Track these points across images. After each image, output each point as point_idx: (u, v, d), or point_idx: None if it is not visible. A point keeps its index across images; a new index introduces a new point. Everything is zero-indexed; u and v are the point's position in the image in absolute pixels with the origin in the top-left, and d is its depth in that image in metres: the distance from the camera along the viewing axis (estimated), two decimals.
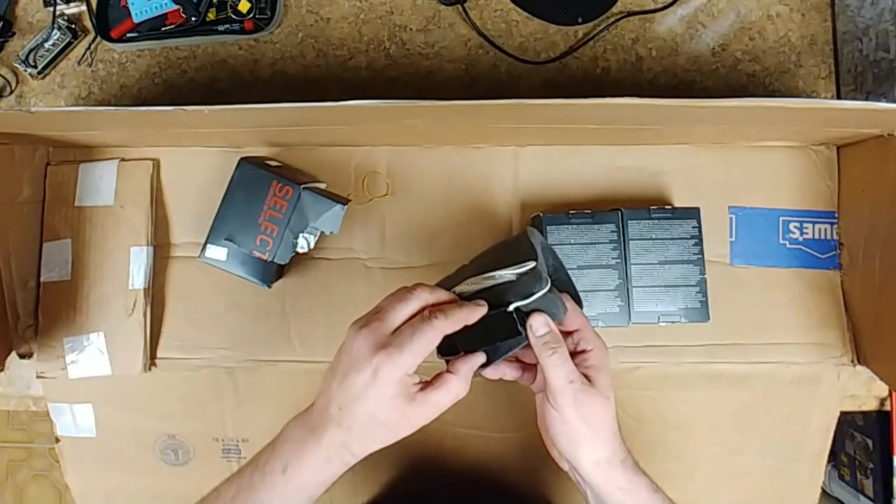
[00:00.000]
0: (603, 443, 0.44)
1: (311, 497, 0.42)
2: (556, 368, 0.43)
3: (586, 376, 0.44)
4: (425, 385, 0.41)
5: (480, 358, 0.43)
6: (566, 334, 0.46)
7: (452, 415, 0.61)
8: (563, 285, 0.50)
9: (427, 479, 0.63)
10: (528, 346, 0.44)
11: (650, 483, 0.45)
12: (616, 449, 0.44)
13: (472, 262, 0.51)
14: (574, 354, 0.45)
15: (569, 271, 0.55)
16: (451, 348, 0.44)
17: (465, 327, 0.42)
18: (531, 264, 0.43)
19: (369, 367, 0.39)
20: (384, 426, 0.40)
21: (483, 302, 0.43)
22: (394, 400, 0.39)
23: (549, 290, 0.43)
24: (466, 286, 0.45)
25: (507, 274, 0.44)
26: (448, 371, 0.42)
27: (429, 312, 0.41)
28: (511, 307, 0.43)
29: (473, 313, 0.42)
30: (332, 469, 0.41)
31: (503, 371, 0.48)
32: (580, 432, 0.43)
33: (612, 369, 0.60)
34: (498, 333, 0.43)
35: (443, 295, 0.44)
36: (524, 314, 0.43)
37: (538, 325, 0.43)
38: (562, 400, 0.43)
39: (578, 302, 0.49)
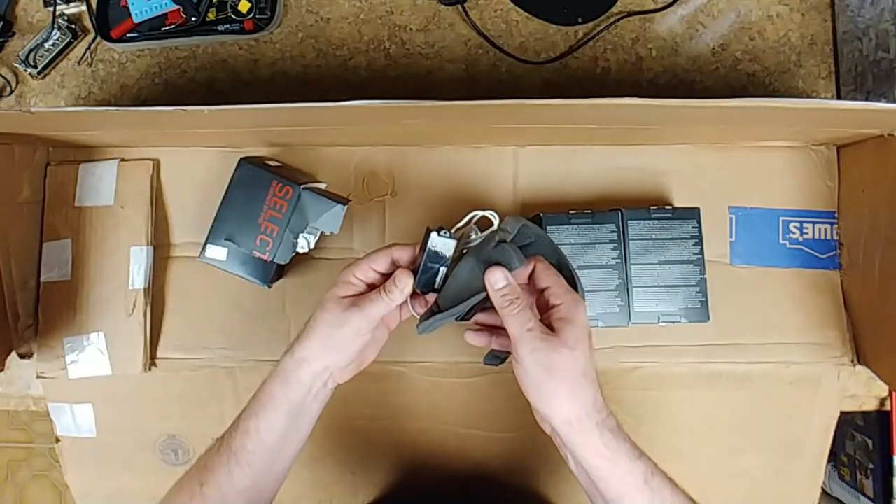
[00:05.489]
0: (570, 398, 0.41)
1: (277, 412, 0.45)
2: (513, 317, 0.43)
3: (553, 328, 0.43)
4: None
5: (402, 273, 0.46)
6: (539, 291, 0.46)
7: (453, 415, 0.62)
8: (564, 269, 0.50)
9: (428, 480, 0.63)
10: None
11: (632, 449, 0.42)
12: (588, 408, 0.41)
13: None
14: (546, 309, 0.45)
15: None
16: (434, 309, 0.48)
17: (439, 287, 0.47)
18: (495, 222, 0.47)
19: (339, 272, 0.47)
20: (322, 309, 0.45)
21: None
22: (337, 289, 0.46)
23: (502, 241, 0.45)
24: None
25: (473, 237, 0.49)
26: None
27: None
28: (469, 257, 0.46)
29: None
30: (284, 360, 0.45)
31: (484, 340, 0.50)
32: (545, 385, 0.42)
33: (612, 368, 0.60)
34: (460, 286, 0.46)
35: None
36: (482, 264, 0.46)
37: (496, 279, 0.44)
38: (521, 349, 0.42)
39: (574, 285, 0.49)
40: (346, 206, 0.57)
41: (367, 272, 0.46)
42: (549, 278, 0.45)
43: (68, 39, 0.65)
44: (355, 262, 0.47)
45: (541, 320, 0.44)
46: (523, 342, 0.42)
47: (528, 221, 0.48)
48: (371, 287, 0.47)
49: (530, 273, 0.47)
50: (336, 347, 0.45)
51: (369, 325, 0.45)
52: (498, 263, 0.45)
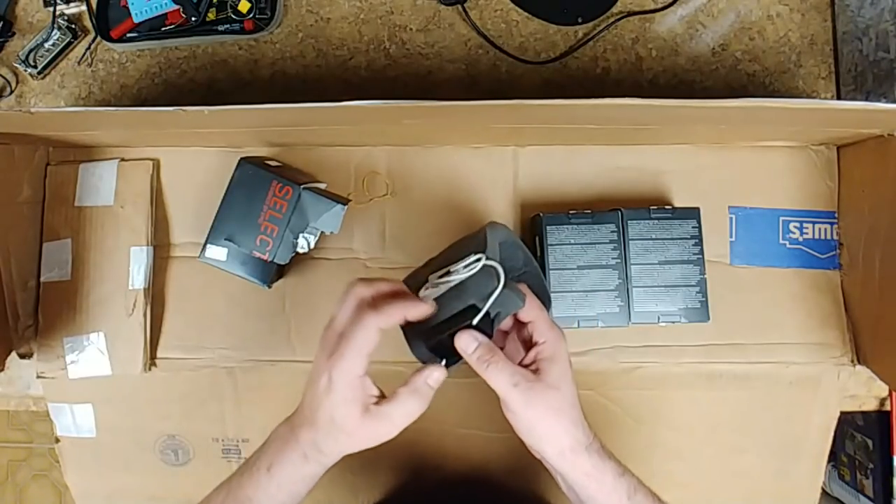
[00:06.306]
0: (562, 433, 0.43)
1: (295, 494, 0.44)
2: (496, 378, 0.42)
3: (538, 368, 0.43)
4: (382, 400, 0.42)
5: (436, 370, 0.43)
6: (521, 325, 0.46)
7: (453, 415, 0.62)
8: (533, 279, 0.49)
9: (428, 481, 0.63)
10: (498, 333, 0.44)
11: (616, 467, 0.44)
12: (579, 437, 0.43)
13: (438, 256, 0.50)
14: (528, 346, 0.45)
15: (570, 271, 0.56)
16: (436, 352, 0.45)
17: (435, 333, 0.43)
18: (475, 258, 0.43)
19: (325, 374, 0.41)
20: (343, 431, 0.41)
21: (431, 302, 0.43)
22: (348, 405, 0.41)
23: (505, 286, 0.43)
24: (426, 290, 0.45)
25: (460, 270, 0.44)
26: (402, 386, 0.43)
27: (359, 310, 0.41)
28: (476, 320, 0.42)
29: (411, 307, 0.42)
30: (310, 468, 0.43)
31: None
32: (537, 428, 0.43)
33: (612, 368, 0.60)
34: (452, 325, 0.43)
35: (383, 286, 0.43)
36: (487, 315, 0.43)
37: (465, 345, 0.43)
38: (511, 404, 0.43)
39: (547, 301, 0.49)
40: (346, 206, 0.57)
41: (366, 362, 0.42)
42: (532, 312, 0.45)
43: (68, 39, 0.65)
44: (343, 359, 0.41)
45: (523, 360, 0.45)
46: (513, 398, 0.42)
47: (499, 230, 0.47)
48: None
49: None
50: (366, 445, 0.43)
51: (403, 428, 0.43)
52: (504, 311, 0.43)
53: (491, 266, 0.43)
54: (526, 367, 0.44)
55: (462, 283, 0.43)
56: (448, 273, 0.44)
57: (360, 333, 0.40)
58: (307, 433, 0.42)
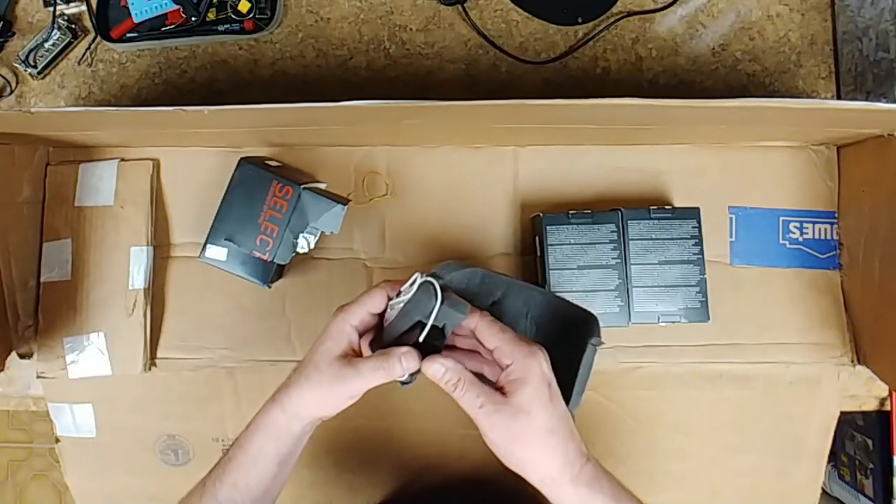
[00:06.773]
0: (542, 459, 0.41)
1: (268, 465, 0.45)
2: (462, 399, 0.42)
3: (507, 390, 0.41)
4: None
5: (411, 355, 0.43)
6: (489, 351, 0.44)
7: (454, 415, 0.62)
8: (511, 304, 0.49)
9: (428, 481, 0.63)
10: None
11: (606, 501, 0.41)
12: (561, 465, 0.40)
13: None
14: (500, 368, 0.43)
15: (570, 271, 0.56)
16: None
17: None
18: (415, 276, 0.44)
19: (326, 325, 0.45)
20: (317, 368, 0.43)
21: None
22: (331, 344, 0.44)
23: (444, 301, 0.42)
24: (388, 312, 0.46)
25: (407, 289, 0.45)
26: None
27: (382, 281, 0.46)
28: (422, 336, 0.43)
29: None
30: (274, 413, 0.44)
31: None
32: (513, 453, 0.41)
33: (612, 369, 0.60)
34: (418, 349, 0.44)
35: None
36: (435, 327, 0.43)
37: (433, 372, 0.42)
38: (480, 426, 0.41)
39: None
40: (346, 206, 0.57)
41: (364, 318, 0.44)
42: (493, 337, 0.43)
43: (68, 39, 0.65)
44: (348, 307, 0.45)
45: (496, 382, 0.43)
46: (479, 420, 0.41)
47: (478, 270, 0.47)
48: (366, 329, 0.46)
49: (476, 330, 0.44)
50: (331, 405, 0.44)
51: (365, 389, 0.43)
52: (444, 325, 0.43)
53: (428, 282, 0.43)
54: (499, 388, 0.42)
55: (408, 302, 0.43)
56: (399, 294, 0.45)
57: (369, 292, 0.45)
58: (286, 380, 0.45)
